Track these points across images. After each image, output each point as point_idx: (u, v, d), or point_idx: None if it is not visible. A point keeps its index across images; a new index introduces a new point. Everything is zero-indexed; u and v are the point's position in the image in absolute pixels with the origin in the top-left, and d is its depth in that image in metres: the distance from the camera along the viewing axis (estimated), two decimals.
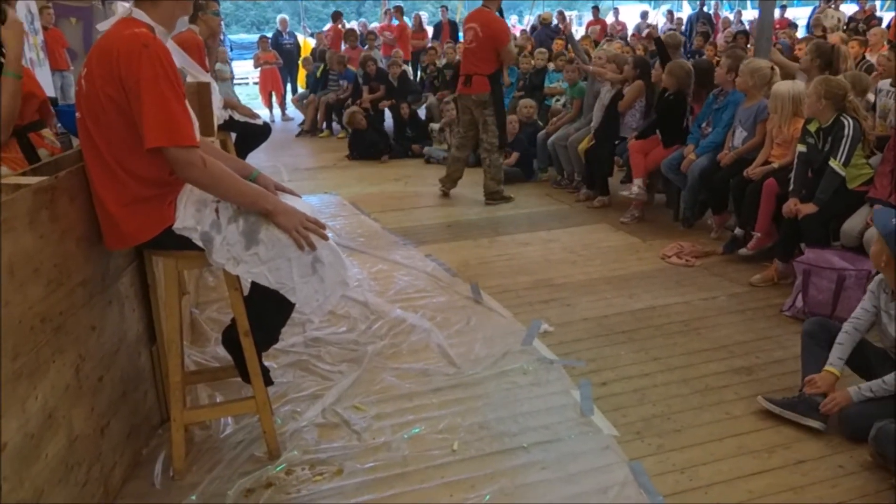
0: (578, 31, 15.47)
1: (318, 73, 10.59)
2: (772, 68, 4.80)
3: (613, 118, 6.09)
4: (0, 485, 1.66)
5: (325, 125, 10.53)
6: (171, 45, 2.27)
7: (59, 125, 2.86)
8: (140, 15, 2.10)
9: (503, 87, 6.24)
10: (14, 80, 2.37)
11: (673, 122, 5.46)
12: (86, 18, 6.81)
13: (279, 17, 14.01)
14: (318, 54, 11.88)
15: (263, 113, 12.03)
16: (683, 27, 14.69)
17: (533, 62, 8.81)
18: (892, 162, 3.76)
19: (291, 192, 2.54)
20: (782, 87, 4.41)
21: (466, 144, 6.40)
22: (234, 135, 4.79)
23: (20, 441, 1.75)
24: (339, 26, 13.48)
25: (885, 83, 4.52)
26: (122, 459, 2.41)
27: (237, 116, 4.71)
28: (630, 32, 14.35)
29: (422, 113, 9.56)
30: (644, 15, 16.63)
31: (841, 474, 2.44)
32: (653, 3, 23.59)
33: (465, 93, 6.06)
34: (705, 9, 15.18)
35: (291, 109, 12.35)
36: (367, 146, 8.34)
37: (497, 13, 5.96)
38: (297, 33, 14.41)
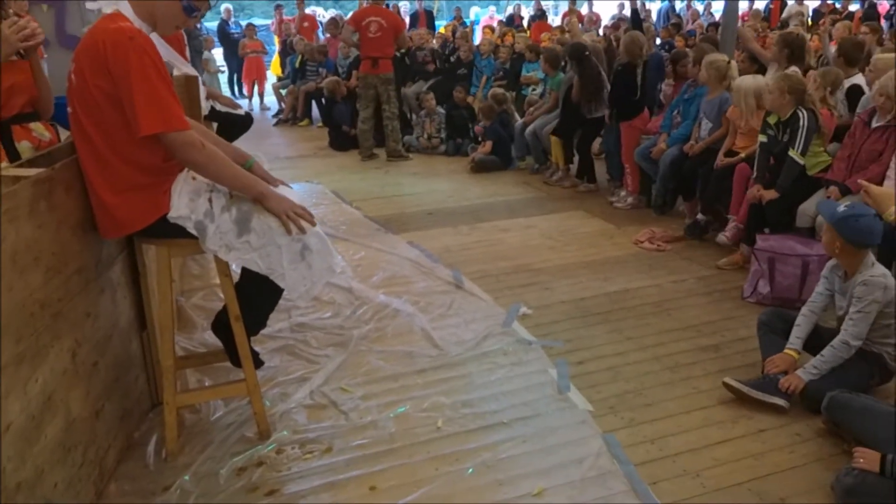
0: (555, 21, 15.52)
1: (298, 63, 10.59)
2: (728, 62, 4.95)
3: (571, 109, 6.25)
4: (4, 464, 1.74)
5: (303, 114, 10.55)
6: (155, 38, 2.33)
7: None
8: (126, 10, 2.17)
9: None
10: None
11: (625, 93, 5.59)
12: (58, 6, 6.76)
13: (223, 6, 13.74)
14: (289, 44, 11.83)
15: (244, 102, 12.01)
16: (654, 19, 14.82)
17: (514, 46, 8.89)
18: (850, 147, 3.97)
19: (284, 184, 2.63)
20: (745, 81, 4.56)
21: (371, 116, 7.67)
22: (215, 125, 4.82)
23: (23, 422, 1.84)
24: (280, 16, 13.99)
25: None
26: (116, 442, 2.49)
27: (219, 107, 4.73)
28: (606, 23, 14.44)
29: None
30: (621, 6, 16.71)
31: (798, 441, 2.61)
32: None
33: (372, 73, 7.42)
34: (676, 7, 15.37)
35: (268, 98, 12.33)
36: (340, 116, 8.63)
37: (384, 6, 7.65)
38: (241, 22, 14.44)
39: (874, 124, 3.86)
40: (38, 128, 2.63)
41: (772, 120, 4.17)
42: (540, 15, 14.34)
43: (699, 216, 4.87)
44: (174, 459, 2.53)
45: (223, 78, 12.69)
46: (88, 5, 2.20)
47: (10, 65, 2.50)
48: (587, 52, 6.06)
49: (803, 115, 3.98)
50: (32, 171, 1.97)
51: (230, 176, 2.26)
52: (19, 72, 2.55)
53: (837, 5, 11.84)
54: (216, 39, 12.65)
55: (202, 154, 2.17)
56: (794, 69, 4.53)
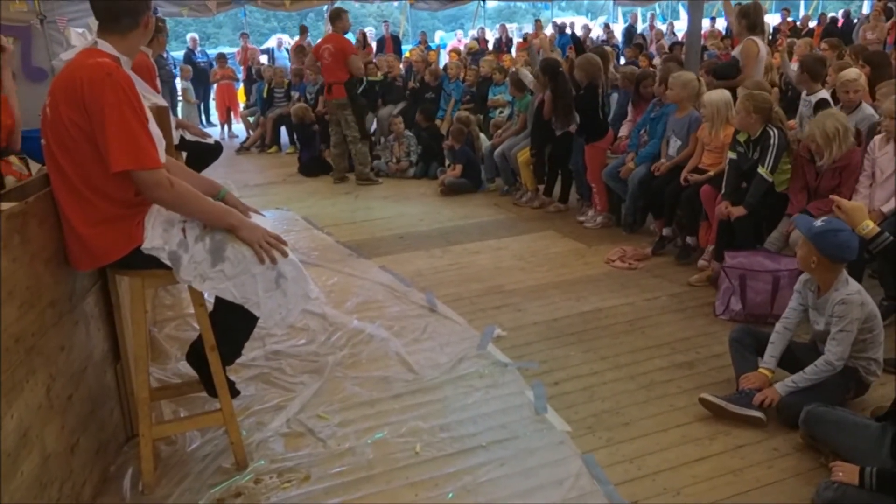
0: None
1: (265, 93, 10.60)
2: (698, 79, 5.10)
3: (541, 126, 6.33)
4: None
5: (272, 141, 10.52)
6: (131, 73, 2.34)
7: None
8: (105, 46, 2.19)
9: (357, 90, 7.86)
10: None
11: (590, 115, 5.69)
12: (24, 38, 6.70)
13: (189, 35, 13.96)
14: (256, 73, 11.82)
15: (215, 130, 11.94)
16: (619, 40, 15.21)
17: (480, 71, 9.01)
18: (803, 178, 4.07)
19: (257, 212, 2.64)
20: (714, 95, 4.67)
21: (341, 141, 7.82)
22: (184, 154, 4.79)
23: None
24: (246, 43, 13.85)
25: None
26: (92, 477, 2.45)
27: (188, 136, 4.72)
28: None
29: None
30: (586, 28, 17.12)
31: (776, 456, 2.65)
32: (590, 14, 24.36)
33: (328, 99, 7.72)
34: (637, 26, 15.80)
35: (235, 126, 12.28)
36: (311, 136, 8.84)
37: (343, 34, 7.79)
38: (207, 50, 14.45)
39: (819, 164, 3.93)
40: (15, 161, 2.61)
41: (741, 137, 4.25)
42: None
43: (664, 231, 4.97)
44: (151, 492, 2.49)
45: None
46: (63, 56, 2.20)
47: None
48: (560, 68, 6.18)
49: (774, 134, 4.07)
50: (6, 206, 1.95)
51: (200, 211, 2.28)
52: None
53: (797, 22, 12.25)
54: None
55: (170, 193, 2.18)
56: (755, 39, 5.04)
